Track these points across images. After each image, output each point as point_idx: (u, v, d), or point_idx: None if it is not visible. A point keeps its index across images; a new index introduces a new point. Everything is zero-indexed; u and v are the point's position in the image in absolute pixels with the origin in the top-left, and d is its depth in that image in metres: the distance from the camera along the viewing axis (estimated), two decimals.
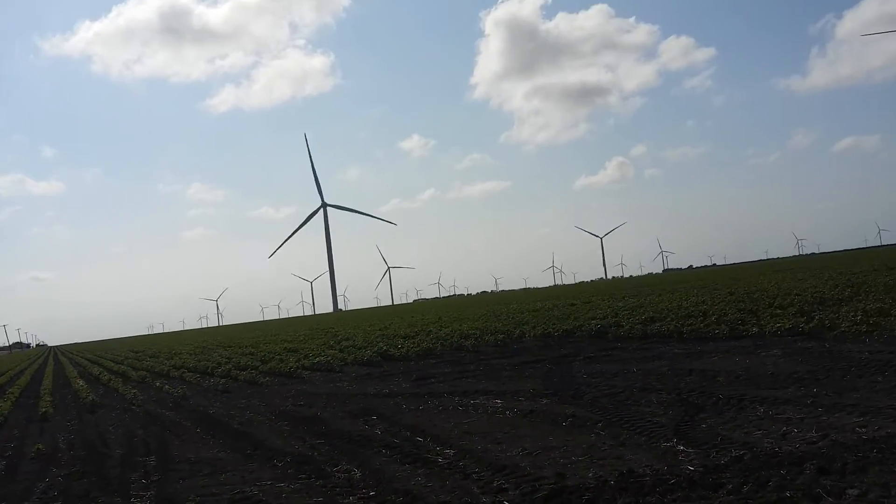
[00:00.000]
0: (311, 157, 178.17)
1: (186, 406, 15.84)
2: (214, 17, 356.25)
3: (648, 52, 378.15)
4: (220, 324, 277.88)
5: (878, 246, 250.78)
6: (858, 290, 23.79)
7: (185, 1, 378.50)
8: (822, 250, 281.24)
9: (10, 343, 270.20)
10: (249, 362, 24.59)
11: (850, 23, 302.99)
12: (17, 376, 37.13)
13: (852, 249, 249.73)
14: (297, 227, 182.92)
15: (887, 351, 12.04)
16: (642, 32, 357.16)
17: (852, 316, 16.45)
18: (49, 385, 25.50)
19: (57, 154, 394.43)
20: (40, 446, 11.68)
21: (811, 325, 16.15)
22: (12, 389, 24.70)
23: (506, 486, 6.80)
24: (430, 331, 30.20)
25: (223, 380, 20.11)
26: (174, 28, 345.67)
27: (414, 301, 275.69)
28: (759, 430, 7.78)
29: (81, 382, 24.23)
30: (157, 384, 21.26)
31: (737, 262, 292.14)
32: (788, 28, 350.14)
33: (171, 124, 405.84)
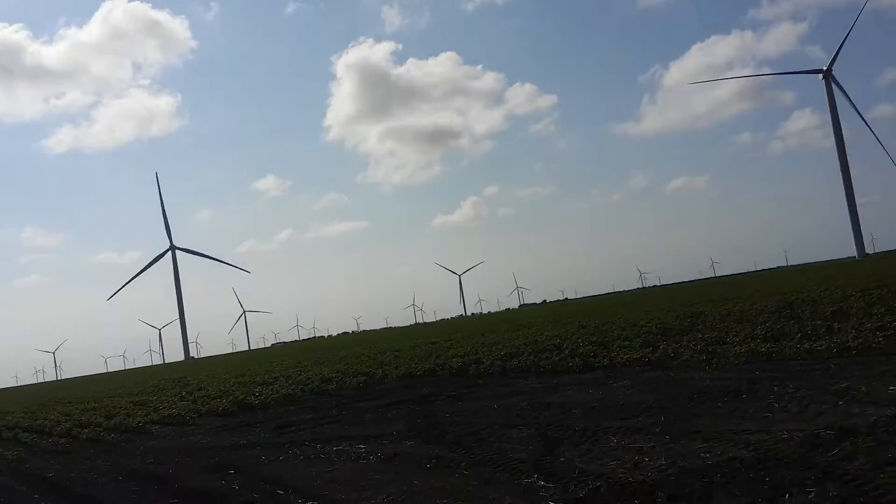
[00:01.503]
0: (161, 197, 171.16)
1: (22, 470, 14.49)
2: (49, 55, 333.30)
3: (496, 98, 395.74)
4: (59, 378, 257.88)
5: (712, 278, 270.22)
6: (697, 321, 25.45)
7: (18, 38, 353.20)
8: (662, 283, 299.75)
9: None
10: (92, 418, 22.87)
11: (676, 73, 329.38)
12: None
13: (689, 281, 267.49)
14: (141, 269, 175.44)
15: (725, 378, 12.89)
16: (489, 79, 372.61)
17: (693, 345, 17.54)
18: None
19: None
20: None
21: (657, 355, 17.08)
22: None
23: None
24: (290, 375, 29.40)
25: (63, 439, 18.57)
26: (4, 66, 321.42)
27: (272, 345, 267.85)
28: (614, 461, 8.07)
29: None
30: None
31: (586, 295, 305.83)
32: (621, 77, 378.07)
33: (2, 166, 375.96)
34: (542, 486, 7.47)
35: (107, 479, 11.84)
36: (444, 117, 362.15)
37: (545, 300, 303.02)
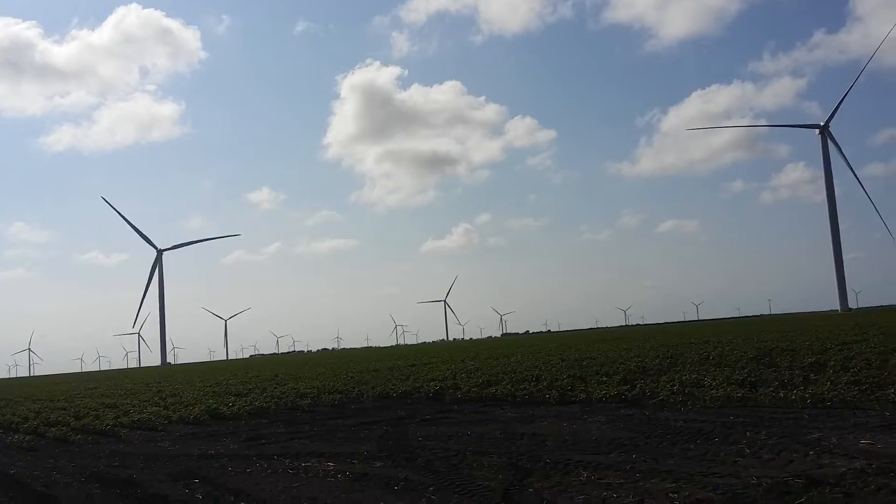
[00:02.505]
0: (120, 213, 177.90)
1: None
2: (59, 54, 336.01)
3: (496, 129, 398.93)
4: (33, 374, 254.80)
5: (695, 320, 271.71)
6: (676, 361, 25.50)
7: (29, 35, 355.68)
8: (646, 322, 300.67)
9: None
10: (60, 417, 22.56)
11: (675, 118, 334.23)
12: None
13: (673, 322, 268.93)
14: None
15: (699, 420, 12.88)
16: (491, 111, 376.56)
17: (670, 385, 17.54)
18: None
19: None
20: None
21: (633, 392, 17.07)
22: None
23: None
24: (265, 388, 29.18)
25: (29, 436, 18.29)
26: (13, 62, 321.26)
27: (251, 357, 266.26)
28: (582, 495, 8.02)
29: None
30: None
31: (569, 329, 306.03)
32: (620, 118, 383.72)
33: None
34: None
35: (69, 480, 11.66)
36: (443, 144, 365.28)
37: (528, 331, 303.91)
